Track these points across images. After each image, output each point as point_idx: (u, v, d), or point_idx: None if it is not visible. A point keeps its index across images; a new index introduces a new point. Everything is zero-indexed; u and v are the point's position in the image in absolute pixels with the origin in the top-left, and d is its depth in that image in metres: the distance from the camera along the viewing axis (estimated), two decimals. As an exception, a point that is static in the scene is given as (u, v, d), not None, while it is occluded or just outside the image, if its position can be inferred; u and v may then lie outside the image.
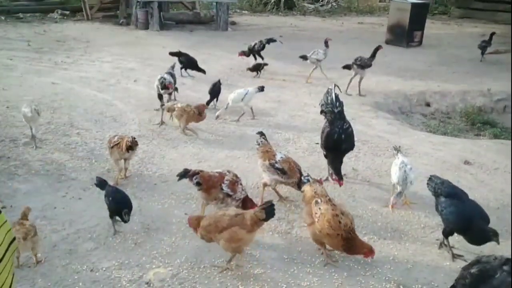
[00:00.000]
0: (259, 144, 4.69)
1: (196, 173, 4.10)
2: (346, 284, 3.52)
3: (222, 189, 4.02)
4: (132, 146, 4.74)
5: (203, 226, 3.52)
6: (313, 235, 3.71)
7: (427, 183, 4.11)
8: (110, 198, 3.92)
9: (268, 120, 6.88)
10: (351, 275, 3.62)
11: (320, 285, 3.50)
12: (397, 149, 4.75)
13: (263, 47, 9.39)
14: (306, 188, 3.93)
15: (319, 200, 3.68)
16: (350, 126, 4.84)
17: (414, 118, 8.00)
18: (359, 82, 8.09)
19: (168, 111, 6.21)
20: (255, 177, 5.00)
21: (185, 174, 4.11)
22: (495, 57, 11.25)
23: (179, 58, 8.49)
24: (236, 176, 4.17)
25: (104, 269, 3.55)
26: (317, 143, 6.06)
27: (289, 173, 4.38)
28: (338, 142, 4.73)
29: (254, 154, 5.58)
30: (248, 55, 9.42)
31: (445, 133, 7.28)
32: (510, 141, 6.39)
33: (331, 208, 3.57)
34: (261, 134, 4.83)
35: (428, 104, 8.46)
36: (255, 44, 9.38)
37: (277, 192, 4.65)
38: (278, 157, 4.47)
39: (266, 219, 3.47)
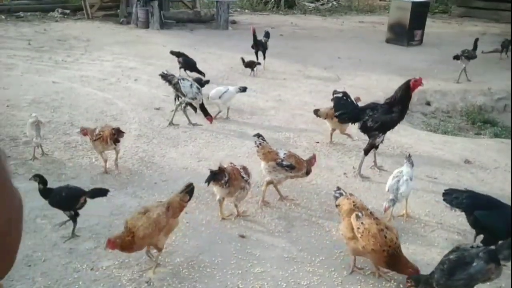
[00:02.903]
0: (258, 147, 4.57)
1: (221, 171, 4.05)
2: (346, 283, 3.52)
3: (242, 177, 4.15)
4: (117, 138, 4.85)
5: (144, 236, 3.33)
6: (353, 250, 3.53)
7: (444, 199, 3.85)
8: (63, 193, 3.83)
9: (269, 119, 6.88)
10: (351, 274, 3.62)
11: (320, 284, 3.50)
12: (407, 158, 4.51)
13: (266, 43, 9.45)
14: (343, 201, 3.69)
15: (360, 214, 3.47)
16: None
17: (415, 117, 7.99)
18: (464, 70, 9.05)
19: (325, 117, 5.85)
20: (255, 176, 4.99)
21: (213, 177, 4.01)
22: (496, 55, 11.22)
23: (178, 59, 8.49)
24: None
25: (104, 268, 3.55)
26: (318, 142, 6.08)
27: (297, 166, 4.39)
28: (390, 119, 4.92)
29: (255, 154, 5.59)
30: (253, 47, 9.35)
31: (445, 132, 7.27)
32: (511, 140, 6.38)
33: (375, 223, 3.39)
34: (258, 136, 4.70)
35: (428, 103, 8.46)
36: (266, 41, 9.42)
37: (278, 191, 4.64)
38: (281, 155, 4.44)
39: (190, 199, 3.75)
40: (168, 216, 3.49)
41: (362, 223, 3.40)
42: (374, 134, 5.03)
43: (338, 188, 3.91)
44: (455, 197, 3.77)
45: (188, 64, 8.42)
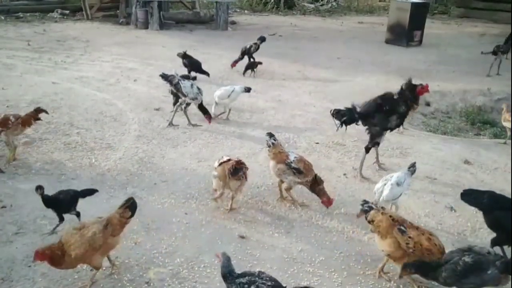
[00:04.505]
0: (269, 146, 4.53)
1: (240, 164, 4.18)
2: (346, 284, 3.52)
3: (247, 168, 4.33)
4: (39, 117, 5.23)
5: (75, 256, 3.12)
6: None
7: (464, 199, 3.79)
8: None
9: (268, 119, 6.88)
10: (351, 274, 3.62)
11: (320, 284, 3.50)
12: (410, 166, 4.33)
13: (258, 48, 9.38)
14: (379, 217, 3.39)
15: (403, 228, 3.28)
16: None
17: (414, 118, 7.98)
18: (499, 64, 9.65)
19: None
20: (254, 176, 4.99)
21: (234, 171, 4.13)
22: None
23: (183, 60, 8.45)
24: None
25: (104, 268, 3.54)
26: (317, 143, 6.08)
27: (305, 172, 4.37)
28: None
29: (254, 154, 5.61)
30: (242, 59, 9.28)
31: (445, 132, 7.27)
32: (511, 140, 6.39)
33: (420, 232, 3.26)
34: (271, 135, 4.62)
35: (428, 104, 8.46)
36: (251, 46, 9.31)
37: (280, 191, 4.64)
38: (292, 157, 4.43)
39: (133, 215, 3.49)
40: (106, 234, 3.25)
41: (410, 237, 3.25)
42: (375, 130, 5.08)
43: (366, 202, 3.60)
44: (475, 197, 3.73)
45: (193, 64, 8.40)
